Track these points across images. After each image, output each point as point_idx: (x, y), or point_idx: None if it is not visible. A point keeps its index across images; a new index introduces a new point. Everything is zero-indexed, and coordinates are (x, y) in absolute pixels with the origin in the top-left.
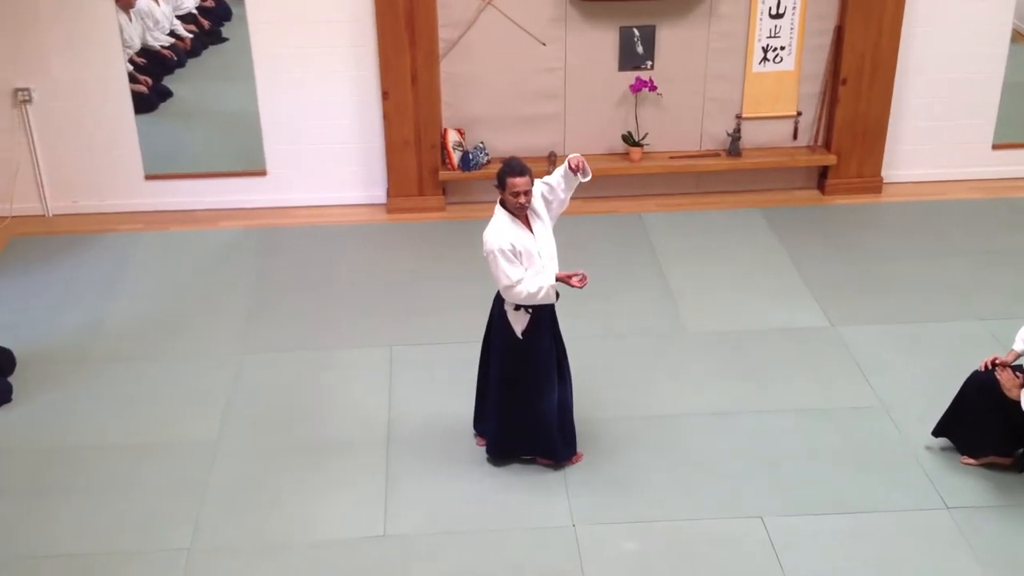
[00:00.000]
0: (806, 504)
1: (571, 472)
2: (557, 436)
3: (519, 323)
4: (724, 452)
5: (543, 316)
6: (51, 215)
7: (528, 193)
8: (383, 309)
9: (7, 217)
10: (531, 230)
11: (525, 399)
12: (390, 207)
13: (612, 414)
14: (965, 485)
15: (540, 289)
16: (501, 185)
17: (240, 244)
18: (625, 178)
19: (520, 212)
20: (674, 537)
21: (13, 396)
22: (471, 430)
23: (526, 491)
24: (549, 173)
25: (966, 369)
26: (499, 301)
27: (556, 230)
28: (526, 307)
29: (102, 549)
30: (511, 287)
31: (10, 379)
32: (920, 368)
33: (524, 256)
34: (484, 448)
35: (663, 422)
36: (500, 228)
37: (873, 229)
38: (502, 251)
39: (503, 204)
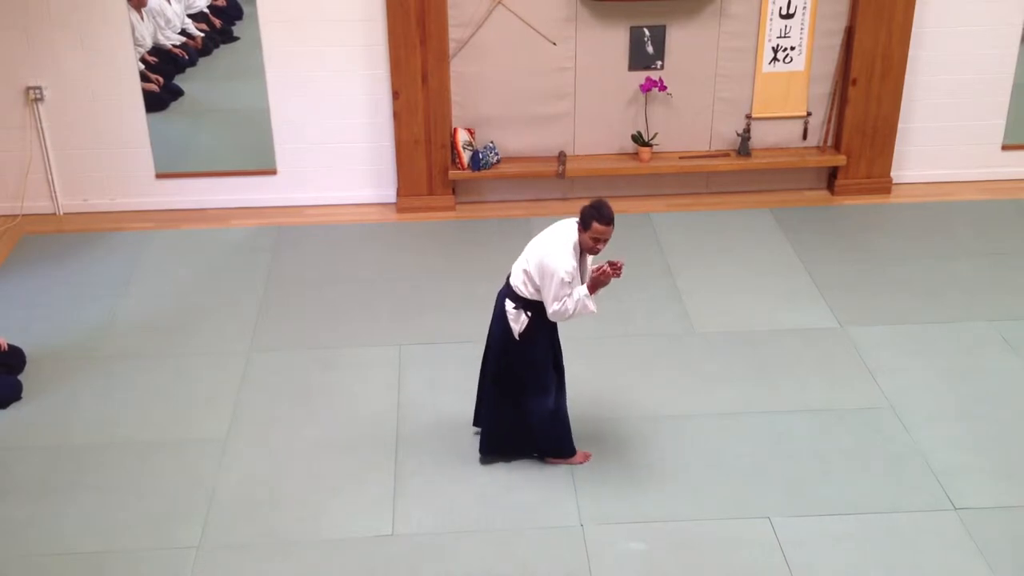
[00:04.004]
0: (814, 505)
1: (579, 472)
2: (544, 439)
3: (518, 324)
4: (732, 452)
5: (542, 320)
6: (62, 213)
7: (607, 242)
8: (392, 308)
9: (18, 215)
10: (581, 261)
11: (516, 399)
12: (400, 206)
13: (620, 414)
14: (973, 486)
15: (577, 303)
16: (585, 225)
17: (250, 243)
18: (634, 178)
19: (590, 252)
20: (682, 537)
21: (23, 394)
22: (477, 429)
23: (534, 491)
24: (559, 173)
25: (975, 370)
26: (501, 301)
27: None
28: (526, 309)
29: (111, 547)
30: (557, 311)
31: (20, 377)
32: (929, 369)
33: (574, 284)
34: None
35: (671, 422)
36: (567, 254)
37: (882, 230)
38: (563, 279)
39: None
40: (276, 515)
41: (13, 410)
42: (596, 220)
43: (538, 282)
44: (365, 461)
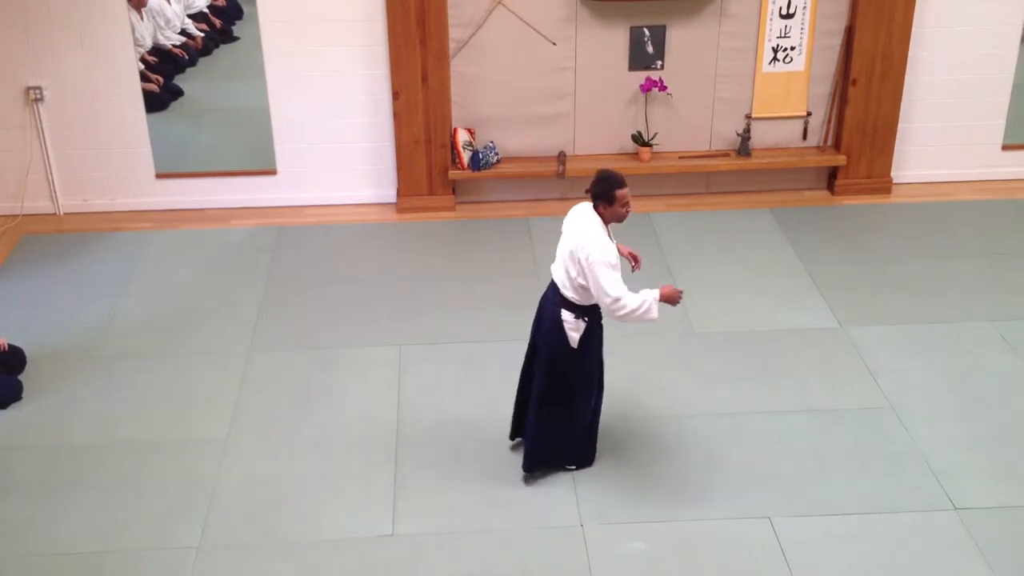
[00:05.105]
0: (814, 505)
1: (579, 472)
2: (584, 448)
3: (578, 332)
4: (732, 452)
5: (595, 324)
6: (62, 213)
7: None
8: (392, 308)
9: (18, 215)
10: (612, 240)
11: (565, 408)
12: (400, 206)
13: (620, 414)
14: (973, 486)
15: (644, 303)
16: (608, 199)
17: (250, 243)
18: (634, 178)
19: (621, 221)
20: (682, 537)
21: (24, 394)
22: (480, 430)
23: (534, 491)
24: (559, 173)
25: (975, 370)
26: (552, 309)
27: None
28: (584, 316)
29: (111, 547)
30: (619, 300)
31: (20, 377)
32: (929, 369)
33: (617, 266)
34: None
35: (671, 422)
36: (602, 239)
37: (882, 230)
38: (608, 264)
39: (598, 214)
40: (276, 515)
41: (13, 410)
42: (616, 187)
43: (582, 281)
44: (365, 461)
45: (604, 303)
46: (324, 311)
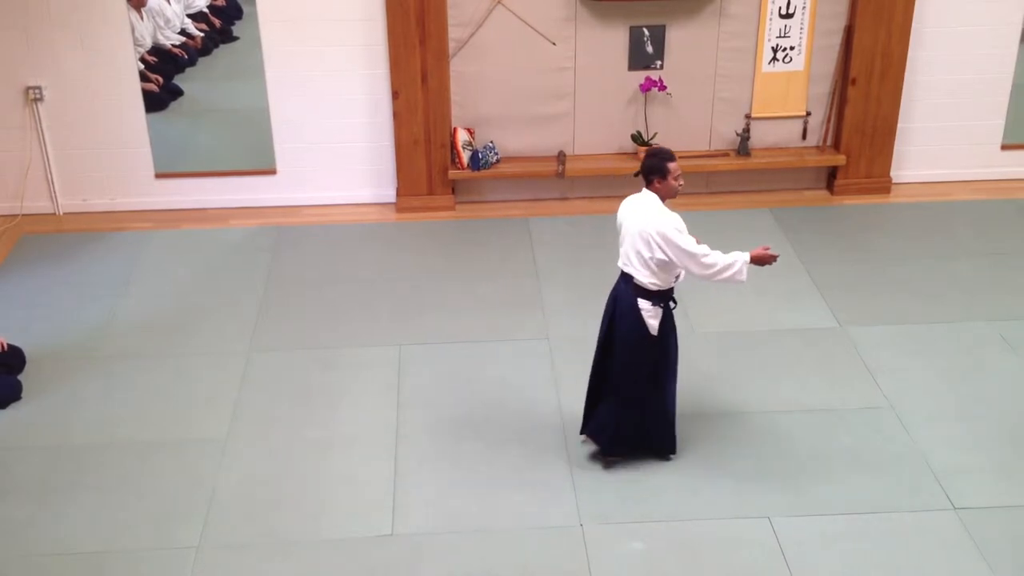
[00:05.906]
0: (813, 505)
1: (578, 472)
2: (671, 426)
3: (657, 320)
4: (732, 452)
5: (669, 310)
6: (61, 213)
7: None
8: (392, 308)
9: (18, 215)
10: None
11: (652, 392)
12: (399, 206)
13: None
14: (973, 486)
15: (735, 263)
16: (662, 172)
17: (250, 243)
18: (634, 178)
19: (675, 196)
20: (681, 537)
21: (23, 394)
22: (480, 430)
23: (533, 490)
24: (559, 173)
25: (975, 370)
26: (628, 301)
27: (564, 230)
28: (660, 302)
29: (111, 547)
30: (706, 256)
31: (20, 377)
32: (929, 369)
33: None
34: (589, 445)
35: None
36: (665, 210)
37: (882, 229)
38: (679, 229)
39: (652, 191)
40: (276, 515)
41: (13, 410)
42: (668, 160)
43: (660, 255)
44: (365, 461)
45: (694, 263)
46: (324, 311)
